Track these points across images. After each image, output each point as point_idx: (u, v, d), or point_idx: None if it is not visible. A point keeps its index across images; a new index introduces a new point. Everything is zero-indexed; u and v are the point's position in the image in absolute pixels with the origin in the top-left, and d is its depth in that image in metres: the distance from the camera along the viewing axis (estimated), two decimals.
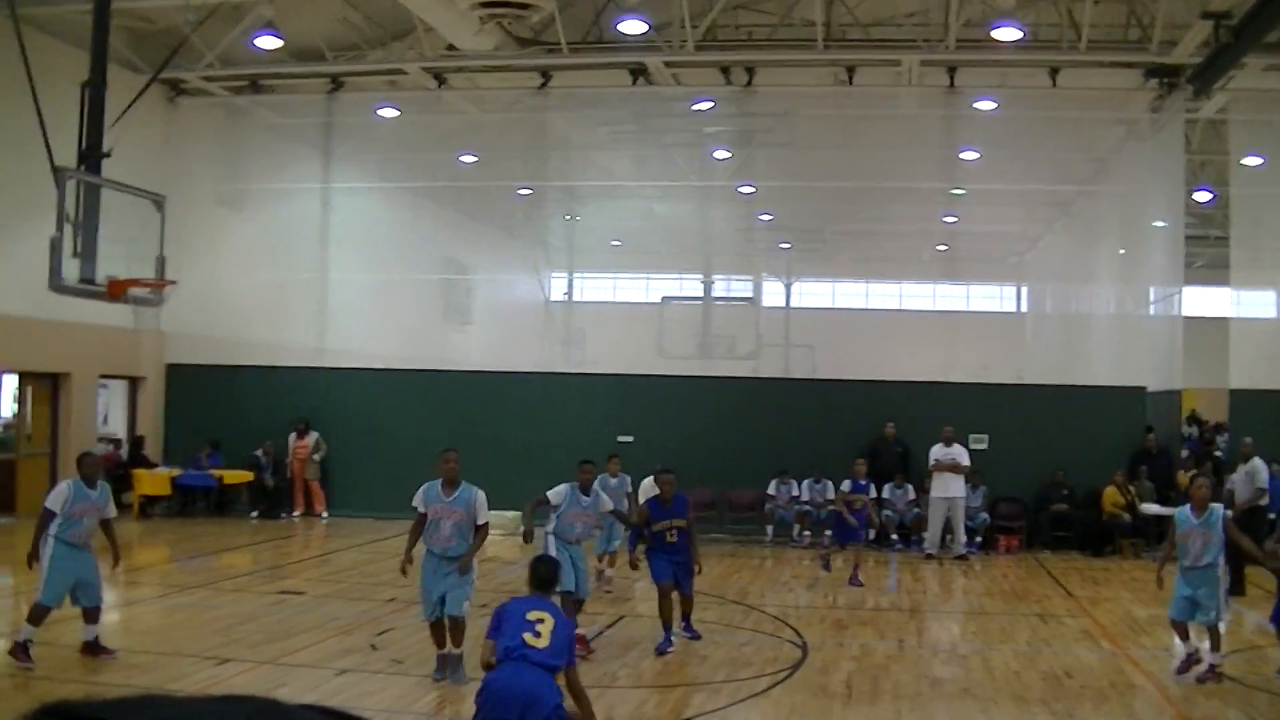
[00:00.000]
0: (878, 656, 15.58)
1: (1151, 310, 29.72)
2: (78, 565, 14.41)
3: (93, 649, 14.43)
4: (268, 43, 27.49)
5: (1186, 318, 28.88)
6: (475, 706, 9.28)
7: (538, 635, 9.18)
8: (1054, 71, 27.26)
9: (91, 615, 14.47)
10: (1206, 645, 14.21)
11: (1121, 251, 33.30)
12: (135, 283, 19.32)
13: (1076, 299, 39.28)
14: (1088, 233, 36.79)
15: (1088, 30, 26.14)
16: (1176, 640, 14.71)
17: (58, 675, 13.39)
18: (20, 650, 13.69)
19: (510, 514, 27.84)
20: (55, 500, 14.41)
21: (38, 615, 13.95)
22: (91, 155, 19.30)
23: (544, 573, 10.20)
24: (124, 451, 30.69)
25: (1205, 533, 14.23)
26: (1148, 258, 30.33)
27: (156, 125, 30.58)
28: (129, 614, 18.29)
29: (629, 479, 21.32)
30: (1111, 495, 25.90)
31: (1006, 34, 25.54)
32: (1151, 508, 25.03)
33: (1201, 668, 14.11)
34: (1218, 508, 14.60)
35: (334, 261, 34.12)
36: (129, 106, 20.87)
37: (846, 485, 22.17)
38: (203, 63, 29.89)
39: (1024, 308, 48.46)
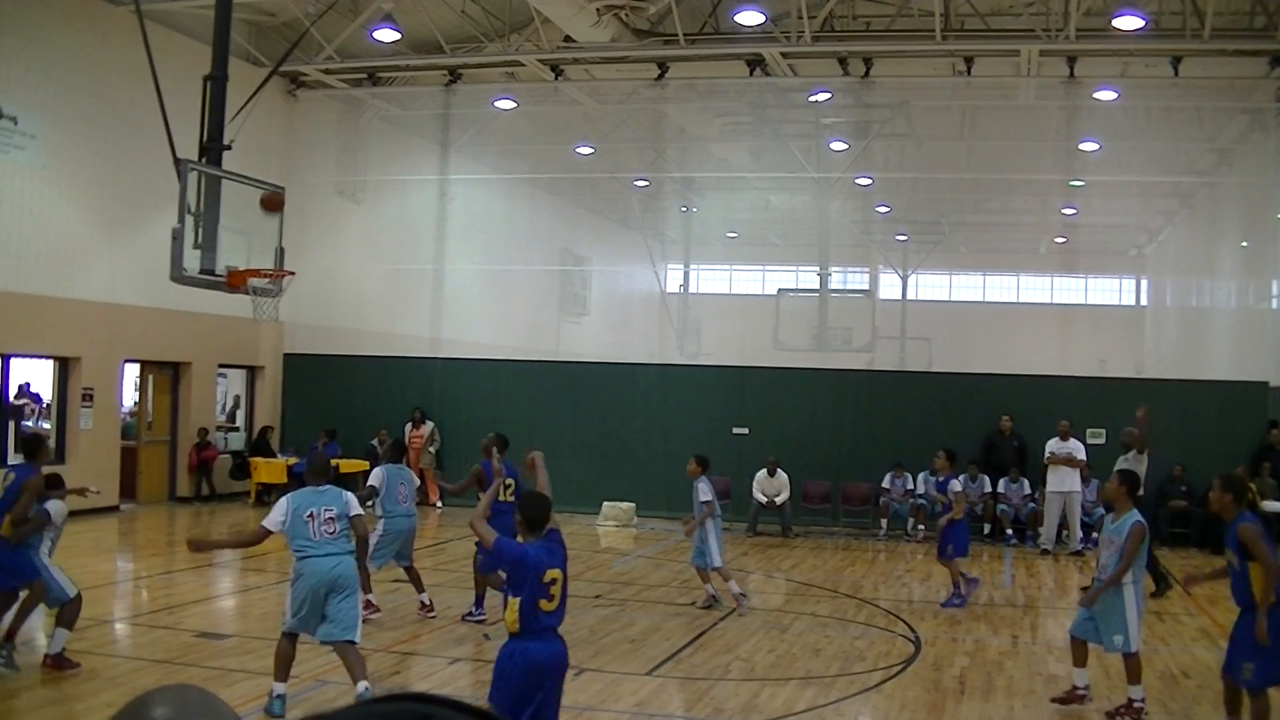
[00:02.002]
0: (991, 652, 15.46)
1: (1275, 304, 29.30)
2: None
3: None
4: (386, 35, 27.74)
5: None
6: (499, 672, 9.00)
7: (551, 599, 8.98)
8: (1176, 60, 26.82)
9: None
10: None
11: (1244, 244, 32.86)
12: (255, 273, 19.50)
13: (1198, 292, 38.77)
14: (1210, 225, 36.30)
15: (1211, 18, 25.73)
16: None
17: (177, 659, 13.57)
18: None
19: (624, 505, 27.97)
20: None
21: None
22: (213, 147, 19.50)
23: (535, 513, 9.34)
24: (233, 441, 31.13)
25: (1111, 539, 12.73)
26: (1272, 250, 29.88)
27: (276, 118, 30.93)
28: (245, 600, 18.54)
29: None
30: None
31: (1128, 23, 25.25)
32: (1273, 505, 24.58)
33: None
34: (1132, 515, 12.69)
35: (450, 252, 34.37)
36: (250, 99, 21.06)
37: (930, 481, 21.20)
38: (322, 56, 30.20)
39: (1144, 301, 47.94)
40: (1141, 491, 19.10)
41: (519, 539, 9.33)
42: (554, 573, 9.00)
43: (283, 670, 11.91)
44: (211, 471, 29.61)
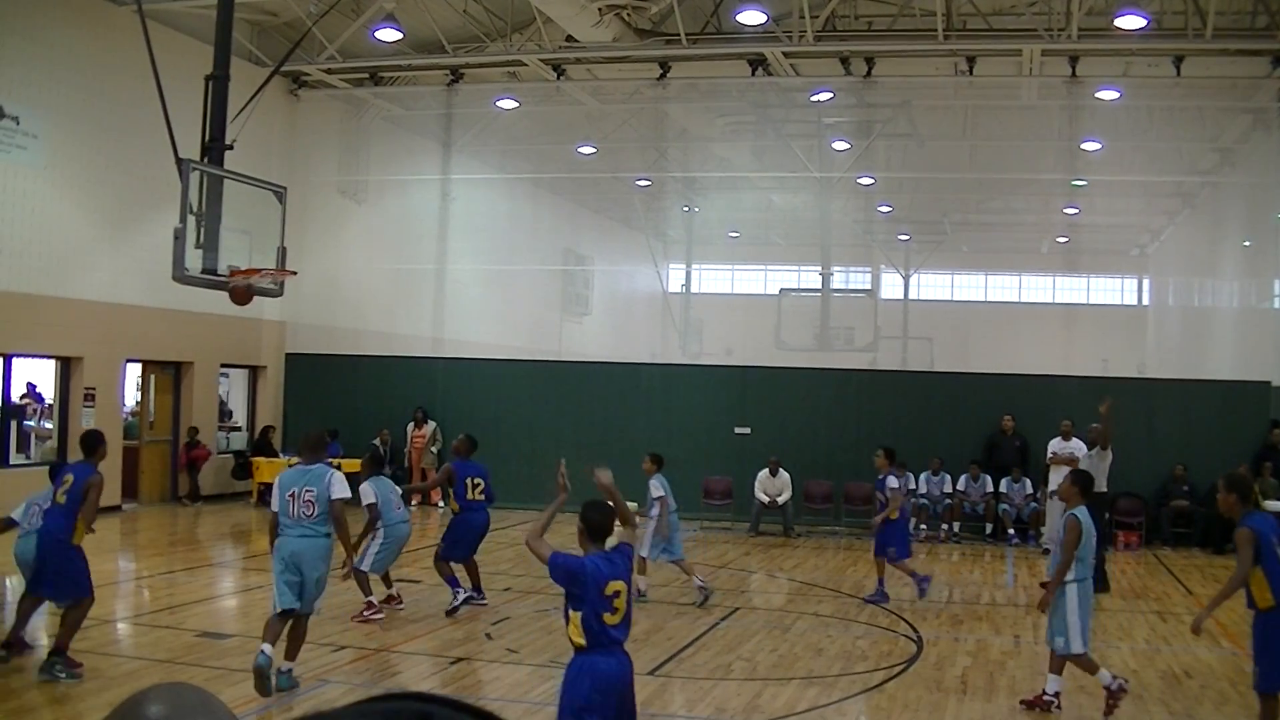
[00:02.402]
0: (993, 652, 15.45)
1: (1277, 303, 29.29)
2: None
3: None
4: (388, 35, 27.75)
5: None
6: (567, 687, 8.65)
7: (615, 612, 8.66)
8: (1178, 60, 26.78)
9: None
10: None
11: (1247, 244, 32.85)
12: (255, 272, 19.50)
13: (1200, 292, 38.76)
14: (1212, 224, 36.31)
15: (1213, 18, 25.72)
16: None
17: (179, 659, 13.57)
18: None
19: (629, 505, 27.95)
20: None
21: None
22: (215, 147, 19.48)
23: (599, 521, 9.01)
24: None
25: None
26: (1274, 250, 29.89)
27: (278, 117, 30.94)
28: (247, 600, 18.52)
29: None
30: None
31: (1130, 22, 25.24)
32: (1275, 505, 24.58)
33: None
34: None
35: (453, 252, 34.41)
36: (252, 99, 21.02)
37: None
38: (324, 55, 30.22)
39: (1146, 300, 47.96)
40: (1105, 489, 19.25)
41: (580, 550, 8.94)
42: (616, 584, 8.71)
43: (271, 636, 12.01)
44: (199, 472, 29.56)
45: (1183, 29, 26.53)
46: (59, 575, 12.99)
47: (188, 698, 2.16)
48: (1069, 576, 12.38)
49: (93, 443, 13.60)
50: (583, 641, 8.59)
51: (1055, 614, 12.45)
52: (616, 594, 8.69)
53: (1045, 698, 12.55)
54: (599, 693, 8.53)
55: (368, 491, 16.77)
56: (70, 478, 13.05)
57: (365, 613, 15.92)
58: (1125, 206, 40.94)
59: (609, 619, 8.63)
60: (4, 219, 23.99)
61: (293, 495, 12.29)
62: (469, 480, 17.57)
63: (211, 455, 29.89)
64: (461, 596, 16.81)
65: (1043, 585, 14.25)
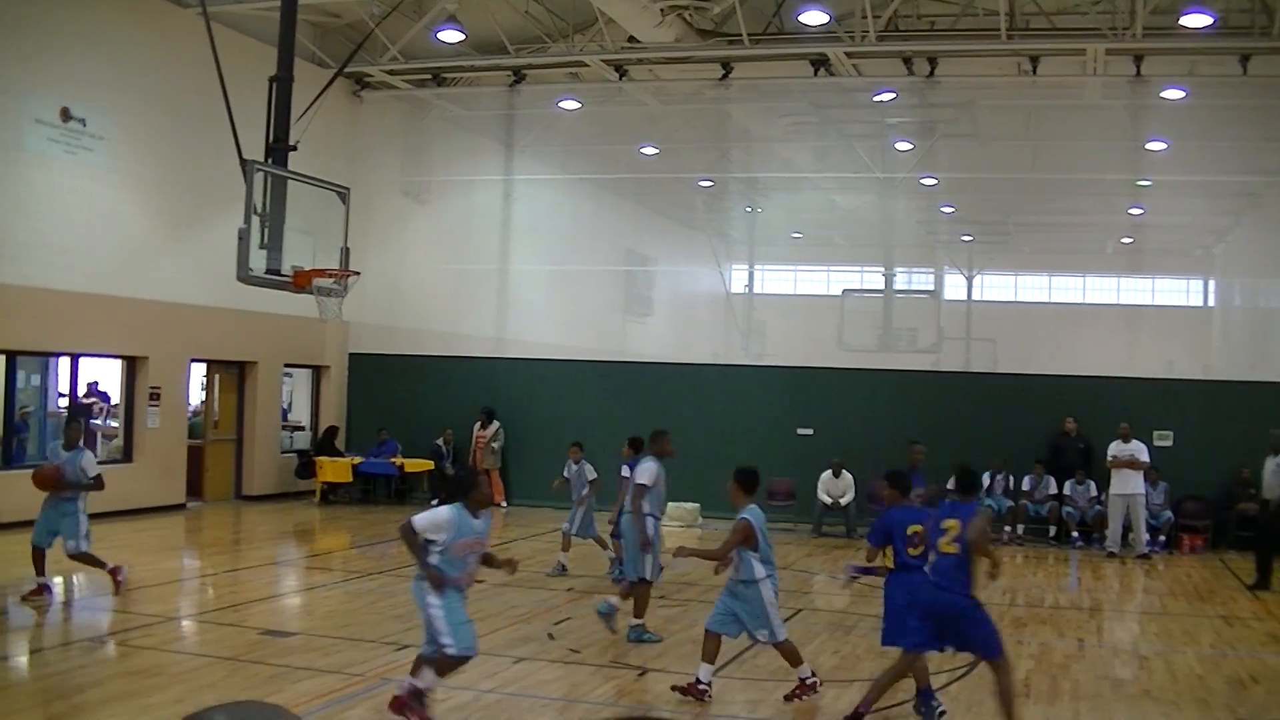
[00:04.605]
0: (1056, 656, 15.33)
1: None
2: None
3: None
4: (450, 36, 27.81)
5: None
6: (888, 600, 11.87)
7: (916, 547, 11.95)
8: (1244, 59, 26.53)
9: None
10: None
11: None
12: (320, 273, 19.60)
13: (1266, 293, 38.32)
14: (1279, 225, 35.90)
15: None
16: None
17: (242, 656, 13.63)
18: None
19: (689, 505, 27.96)
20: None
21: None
22: (278, 148, 19.61)
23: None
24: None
25: None
26: None
27: (341, 118, 31.10)
28: (310, 598, 18.62)
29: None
30: None
31: (1196, 21, 25.00)
32: None
33: None
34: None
35: (515, 253, 34.45)
36: (315, 100, 21.16)
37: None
38: (386, 57, 30.36)
39: (1211, 302, 47.42)
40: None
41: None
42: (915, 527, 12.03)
43: None
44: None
45: (1249, 27, 26.29)
46: None
47: (252, 714, 2.16)
48: (759, 574, 12.51)
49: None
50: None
51: (756, 611, 12.51)
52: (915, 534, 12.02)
53: (699, 686, 12.41)
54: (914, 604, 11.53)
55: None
56: None
57: None
58: (1190, 207, 40.51)
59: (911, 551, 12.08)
60: (71, 220, 24.20)
61: None
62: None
63: None
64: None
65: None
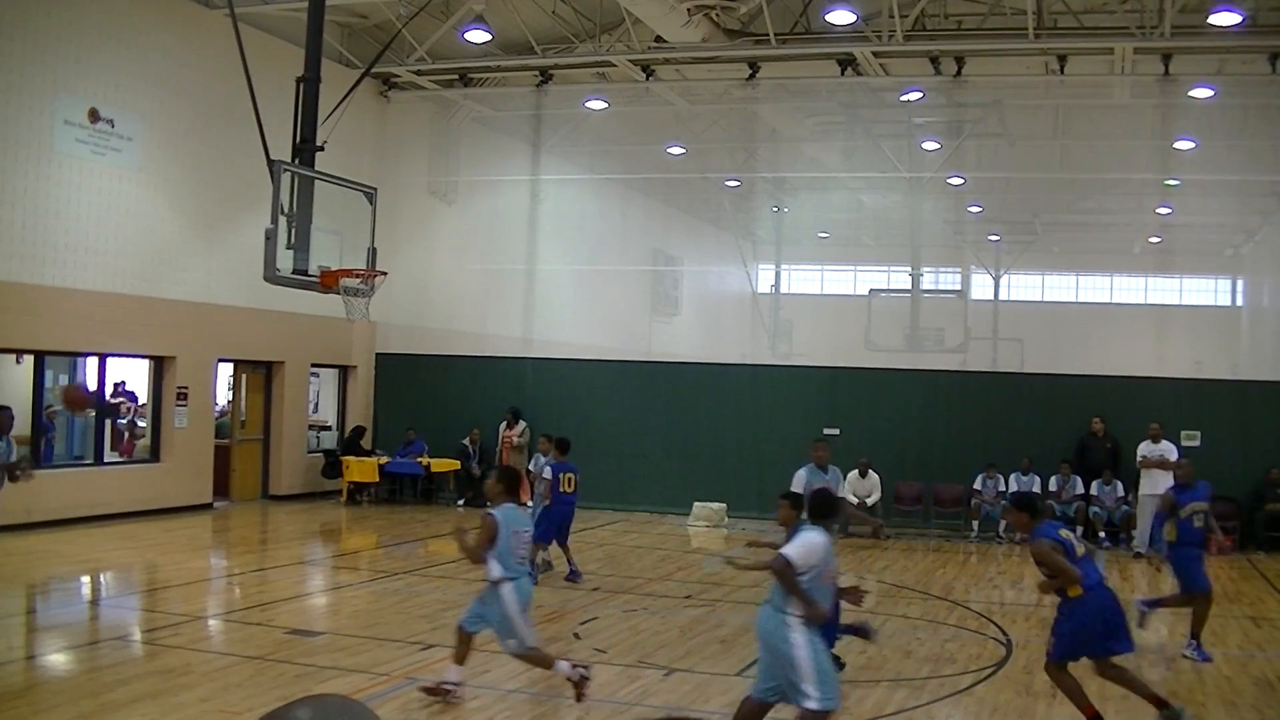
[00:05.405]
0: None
1: None
2: None
3: None
4: (477, 36, 27.78)
5: None
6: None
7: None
8: (1274, 57, 26.42)
9: None
10: None
11: None
12: (347, 273, 19.62)
13: None
14: None
15: None
16: None
17: (269, 655, 13.66)
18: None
19: (715, 505, 27.91)
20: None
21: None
22: (306, 148, 19.63)
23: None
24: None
25: None
26: None
27: (369, 119, 31.15)
28: (337, 597, 18.65)
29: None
30: None
31: (1225, 19, 24.86)
32: None
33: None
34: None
35: (542, 253, 34.49)
36: (342, 100, 21.18)
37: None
38: (413, 57, 30.38)
39: (1240, 301, 47.30)
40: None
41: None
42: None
43: None
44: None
45: (1279, 25, 26.16)
46: None
47: (332, 705, 2.19)
48: (497, 574, 11.85)
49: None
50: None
51: (500, 619, 11.86)
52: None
53: (445, 686, 11.97)
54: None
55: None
56: None
57: None
58: (1219, 206, 40.39)
59: None
60: (99, 220, 24.27)
61: None
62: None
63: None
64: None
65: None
